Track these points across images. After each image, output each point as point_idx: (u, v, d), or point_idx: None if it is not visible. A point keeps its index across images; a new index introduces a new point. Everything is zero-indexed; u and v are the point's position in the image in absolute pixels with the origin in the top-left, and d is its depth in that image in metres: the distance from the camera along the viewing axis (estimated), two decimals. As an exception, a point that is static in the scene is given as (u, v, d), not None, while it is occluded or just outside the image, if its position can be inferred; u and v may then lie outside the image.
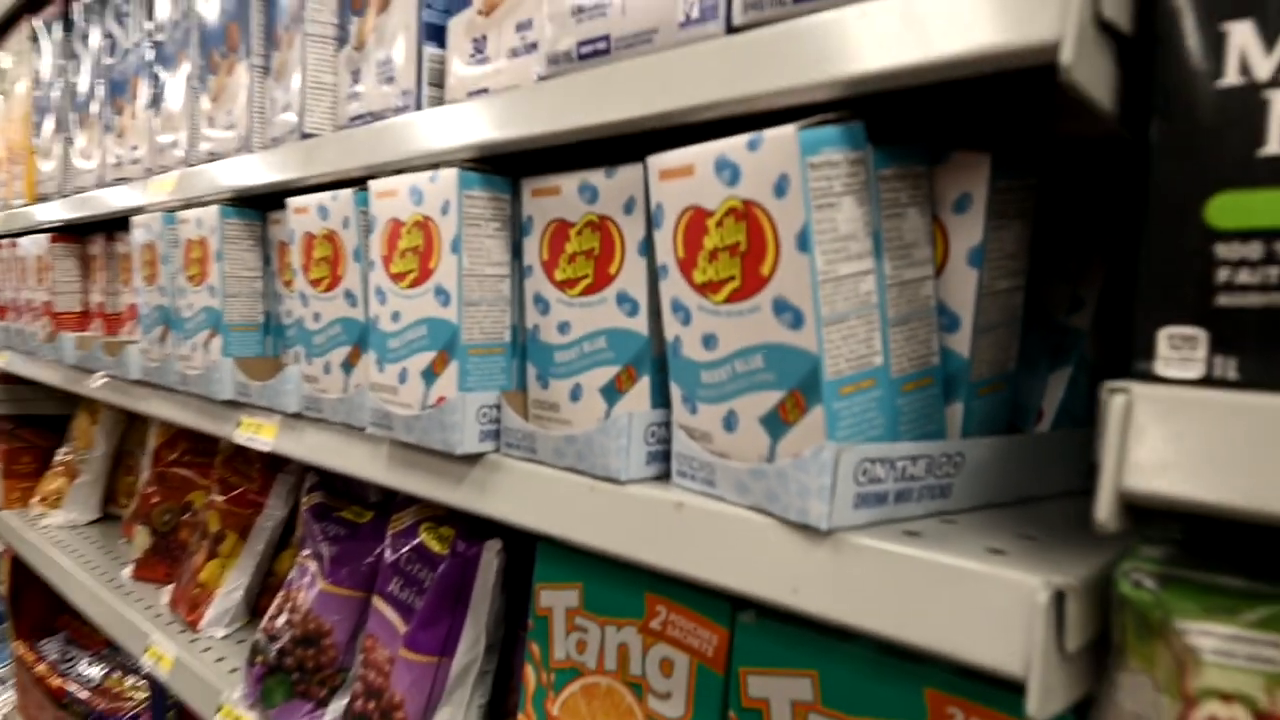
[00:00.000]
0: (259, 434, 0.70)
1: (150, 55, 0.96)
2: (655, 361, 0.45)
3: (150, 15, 0.95)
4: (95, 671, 1.26)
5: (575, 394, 0.48)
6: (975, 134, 0.45)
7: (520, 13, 0.51)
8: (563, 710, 0.52)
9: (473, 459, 0.51)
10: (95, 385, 0.96)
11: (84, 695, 1.20)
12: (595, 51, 0.44)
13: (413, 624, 0.61)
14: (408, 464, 0.56)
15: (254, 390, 0.70)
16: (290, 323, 0.72)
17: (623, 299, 0.45)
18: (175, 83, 0.89)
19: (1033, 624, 0.28)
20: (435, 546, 0.61)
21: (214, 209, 0.74)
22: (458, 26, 0.55)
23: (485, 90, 0.52)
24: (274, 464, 0.97)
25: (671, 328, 0.42)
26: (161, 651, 0.89)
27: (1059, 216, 0.48)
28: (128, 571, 1.10)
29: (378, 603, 0.66)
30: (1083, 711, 0.31)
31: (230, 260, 0.73)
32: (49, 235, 1.12)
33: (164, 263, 0.81)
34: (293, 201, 0.64)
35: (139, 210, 0.92)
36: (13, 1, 1.23)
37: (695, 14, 0.39)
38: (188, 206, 0.81)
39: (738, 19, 0.37)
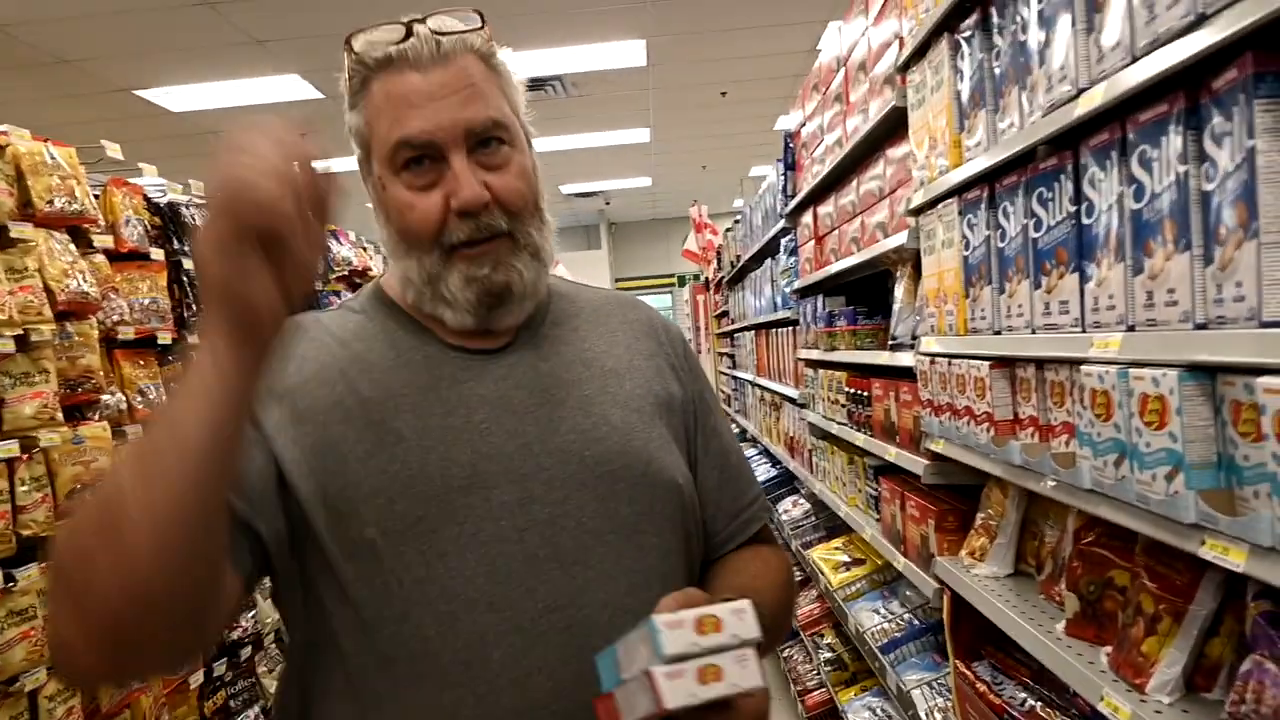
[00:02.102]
0: (1226, 555, 0.89)
1: (1073, 233, 1.24)
2: None
3: (1076, 201, 1.24)
4: (1022, 696, 1.60)
5: None
6: None
7: None
8: None
9: None
10: (1049, 485, 1.28)
11: (1019, 715, 1.54)
12: None
13: None
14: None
15: (1221, 521, 0.89)
16: (1248, 466, 0.90)
17: None
18: (1107, 258, 1.15)
19: None
20: None
21: (1172, 374, 0.96)
22: None
23: None
24: (1198, 562, 1.14)
25: None
26: (1117, 704, 1.14)
27: None
28: (1060, 627, 1.39)
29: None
30: None
31: (1188, 414, 0.94)
32: (988, 362, 1.50)
33: (1118, 407, 1.07)
34: (1264, 382, 0.82)
35: (1075, 360, 1.20)
36: (942, 190, 1.68)
37: None
38: (1134, 365, 1.05)
39: None
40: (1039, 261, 1.35)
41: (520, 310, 0.97)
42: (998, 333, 1.51)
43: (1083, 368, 1.17)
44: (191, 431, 0.71)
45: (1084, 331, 1.22)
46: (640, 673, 0.71)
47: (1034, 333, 1.37)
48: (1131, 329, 1.09)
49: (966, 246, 1.62)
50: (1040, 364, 1.39)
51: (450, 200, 0.90)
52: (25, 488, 2.34)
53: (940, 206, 1.75)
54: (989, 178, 1.51)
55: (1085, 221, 1.21)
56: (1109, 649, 1.26)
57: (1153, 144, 1.03)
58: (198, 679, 2.92)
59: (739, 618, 0.73)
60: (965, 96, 1.60)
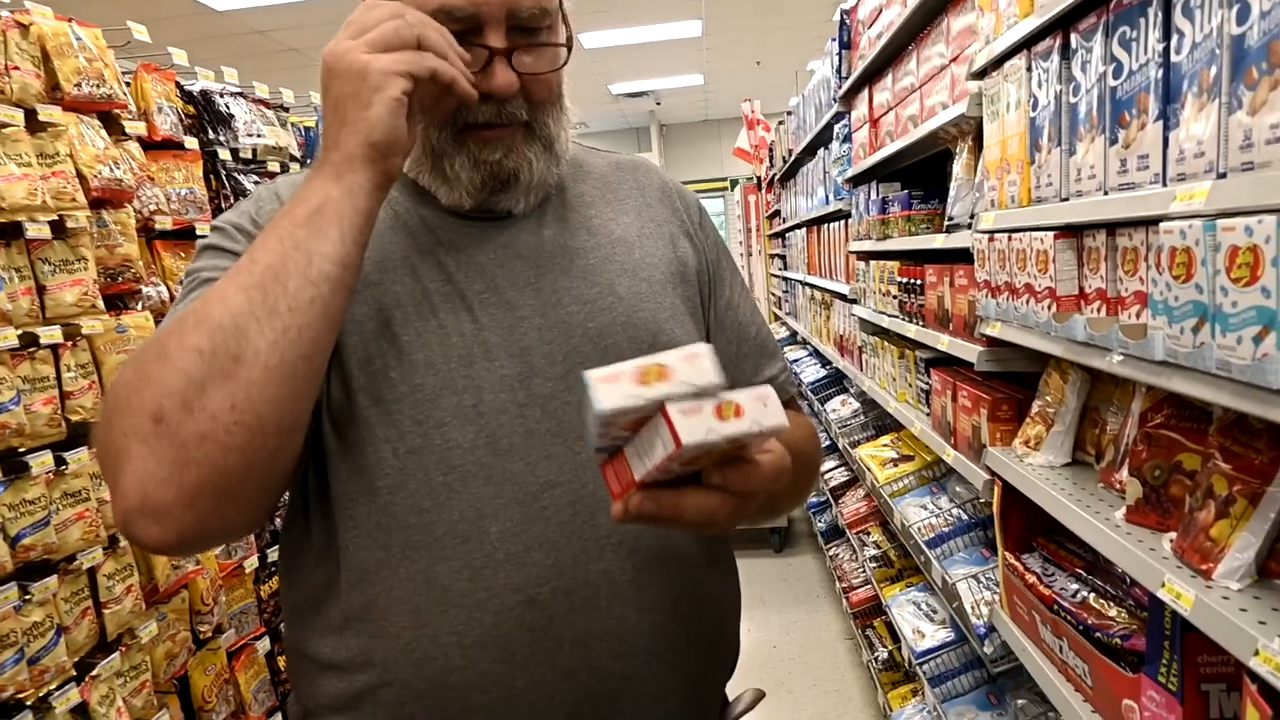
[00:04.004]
0: (1320, 422, 0.78)
1: (1159, 75, 1.10)
2: None
3: (1165, 37, 1.09)
4: (1074, 588, 1.52)
5: None
6: None
7: None
8: None
9: None
10: (1115, 361, 1.17)
11: (1069, 606, 1.46)
12: None
13: None
14: None
15: (1317, 383, 0.78)
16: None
17: None
18: (1198, 99, 1.01)
19: None
20: None
21: (1270, 219, 0.84)
22: None
23: None
24: (1281, 439, 1.03)
25: None
26: (1179, 590, 1.05)
27: None
28: (1120, 514, 1.30)
29: None
30: None
31: (1286, 265, 0.82)
32: (1053, 232, 1.37)
33: (1201, 264, 0.95)
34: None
35: (1153, 220, 1.08)
36: (1011, 43, 1.52)
37: None
38: (1223, 215, 0.93)
39: None
40: (1117, 113, 1.21)
41: (525, 199, 0.92)
42: (1065, 200, 1.37)
43: (1161, 225, 1.04)
44: (322, 266, 0.71)
45: (1165, 186, 1.08)
46: (654, 408, 0.61)
47: (1106, 195, 1.24)
48: (1223, 176, 0.96)
49: (1034, 107, 1.47)
50: (1112, 230, 1.26)
51: (478, 80, 0.83)
52: (71, 374, 2.37)
53: (1006, 65, 1.58)
54: (1064, 22, 1.35)
55: (1174, 59, 1.07)
56: (1173, 535, 1.17)
57: (1262, -49, 0.88)
58: (252, 564, 3.00)
59: (691, 363, 0.61)
60: (1040, -66, 1.43)
